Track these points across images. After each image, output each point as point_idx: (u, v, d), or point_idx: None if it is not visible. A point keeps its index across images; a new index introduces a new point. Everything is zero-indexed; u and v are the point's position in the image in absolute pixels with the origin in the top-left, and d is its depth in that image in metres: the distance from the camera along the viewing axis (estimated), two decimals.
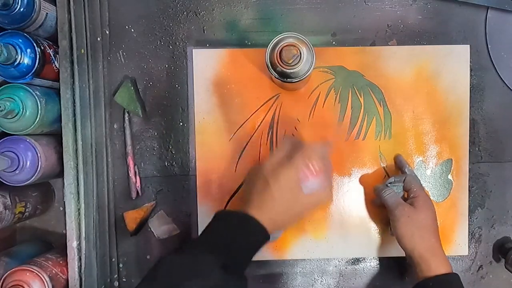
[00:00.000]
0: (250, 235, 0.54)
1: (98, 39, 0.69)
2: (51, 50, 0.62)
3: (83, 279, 0.64)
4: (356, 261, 0.72)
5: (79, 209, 0.64)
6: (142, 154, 0.72)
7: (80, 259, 0.64)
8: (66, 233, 0.63)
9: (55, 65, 0.63)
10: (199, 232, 0.67)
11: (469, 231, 0.72)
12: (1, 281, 0.60)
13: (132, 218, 0.70)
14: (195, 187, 0.70)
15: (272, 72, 0.59)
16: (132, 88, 0.70)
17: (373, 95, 0.70)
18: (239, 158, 0.70)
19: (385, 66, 0.70)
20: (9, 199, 0.63)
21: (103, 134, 0.70)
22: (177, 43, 0.71)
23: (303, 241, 0.71)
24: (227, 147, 0.70)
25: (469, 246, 0.71)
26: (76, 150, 0.64)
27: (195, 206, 0.71)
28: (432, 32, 0.71)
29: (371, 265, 0.73)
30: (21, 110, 0.59)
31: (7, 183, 0.60)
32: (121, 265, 0.72)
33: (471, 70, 0.71)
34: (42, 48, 0.60)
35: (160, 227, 0.71)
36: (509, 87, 0.71)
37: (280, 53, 0.58)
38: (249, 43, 0.71)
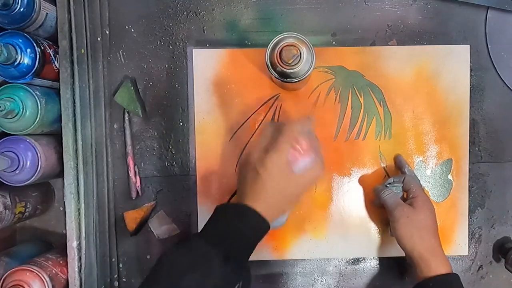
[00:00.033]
0: (249, 225, 0.53)
1: (98, 39, 0.69)
2: (51, 50, 0.62)
3: (83, 279, 0.64)
4: (356, 261, 0.72)
5: (79, 209, 0.64)
6: (142, 154, 0.72)
7: (80, 259, 0.64)
8: (66, 233, 0.63)
9: (55, 65, 0.63)
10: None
11: (469, 231, 0.72)
12: (1, 281, 0.60)
13: (132, 218, 0.70)
14: (195, 187, 0.70)
15: (272, 72, 0.59)
16: (132, 88, 0.70)
17: (373, 95, 0.70)
18: (239, 158, 0.70)
19: (385, 66, 0.70)
20: (9, 199, 0.63)
21: (103, 134, 0.70)
22: (177, 43, 0.71)
23: (303, 241, 0.71)
24: (227, 147, 0.70)
25: (469, 246, 0.71)
26: (76, 150, 0.64)
27: (195, 206, 0.71)
28: (432, 32, 0.71)
29: (371, 265, 0.73)
30: (21, 110, 0.59)
31: (7, 183, 0.60)
32: (121, 265, 0.72)
33: (471, 70, 0.71)
34: (42, 48, 0.60)
35: (160, 227, 0.71)
36: (509, 87, 0.71)
37: (280, 53, 0.58)
38: (249, 43, 0.71)
